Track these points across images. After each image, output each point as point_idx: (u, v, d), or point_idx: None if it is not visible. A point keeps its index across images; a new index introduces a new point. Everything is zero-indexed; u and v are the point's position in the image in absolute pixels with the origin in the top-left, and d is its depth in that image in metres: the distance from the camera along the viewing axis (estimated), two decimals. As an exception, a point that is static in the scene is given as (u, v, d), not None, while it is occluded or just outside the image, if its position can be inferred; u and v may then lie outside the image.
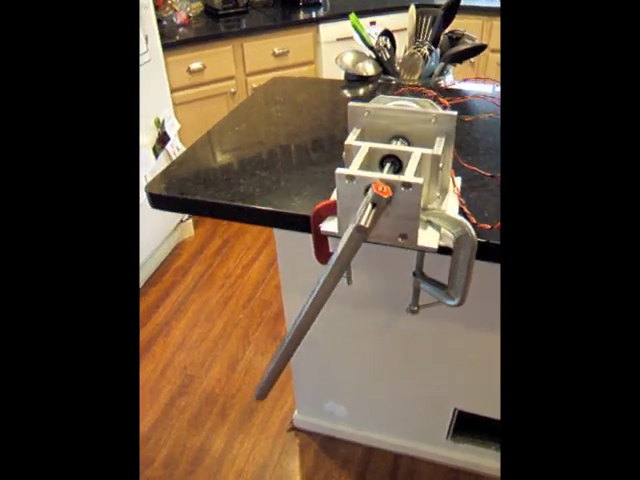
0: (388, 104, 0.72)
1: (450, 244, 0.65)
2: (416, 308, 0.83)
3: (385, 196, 0.58)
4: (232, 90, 2.49)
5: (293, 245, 1.09)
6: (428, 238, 0.65)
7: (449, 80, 1.19)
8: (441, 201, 0.71)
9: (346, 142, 0.69)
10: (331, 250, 0.75)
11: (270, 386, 0.83)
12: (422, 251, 0.67)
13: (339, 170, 0.62)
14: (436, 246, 0.64)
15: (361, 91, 1.17)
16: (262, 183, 0.81)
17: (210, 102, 2.42)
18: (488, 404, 1.35)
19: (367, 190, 0.62)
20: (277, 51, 2.52)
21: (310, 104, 1.13)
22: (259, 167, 0.86)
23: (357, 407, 1.52)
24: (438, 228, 0.67)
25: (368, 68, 1.20)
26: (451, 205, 0.72)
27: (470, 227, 0.63)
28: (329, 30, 2.61)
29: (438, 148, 0.66)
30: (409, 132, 0.71)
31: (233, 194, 0.78)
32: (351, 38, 2.65)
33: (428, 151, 0.65)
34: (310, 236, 0.72)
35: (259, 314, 2.07)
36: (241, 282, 2.24)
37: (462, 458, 1.49)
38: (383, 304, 1.17)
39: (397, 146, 0.68)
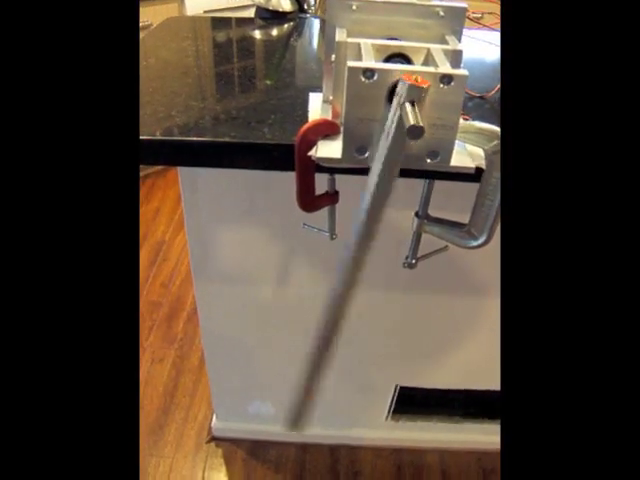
0: (379, -4, 0.56)
1: (483, 164, 0.52)
2: (414, 261, 0.69)
3: (425, 85, 0.42)
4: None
5: (210, 216, 0.89)
6: (460, 157, 0.51)
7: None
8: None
9: (337, 39, 0.51)
10: (318, 192, 0.57)
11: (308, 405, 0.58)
12: (449, 178, 0.52)
13: (352, 63, 0.45)
14: (473, 166, 0.50)
15: (278, 29, 1.00)
16: (203, 114, 0.60)
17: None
18: (431, 375, 1.26)
19: (392, 92, 0.45)
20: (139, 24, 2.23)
21: (226, 39, 0.92)
22: (192, 98, 0.64)
23: (286, 402, 1.34)
24: (463, 146, 0.53)
25: (284, 3, 1.03)
26: (457, 125, 0.58)
27: (511, 138, 0.49)
28: (195, 2, 2.39)
29: (456, 44, 0.52)
30: (407, 34, 0.55)
31: (167, 129, 0.57)
32: (219, 10, 2.45)
33: (449, 47, 0.51)
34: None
35: (149, 318, 1.79)
36: (121, 283, 1.93)
37: (403, 436, 1.39)
38: (312, 274, 1.01)
39: (409, 42, 0.52)
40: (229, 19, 1.03)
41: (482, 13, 1.14)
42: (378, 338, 1.15)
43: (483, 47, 0.92)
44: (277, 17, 1.03)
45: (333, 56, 0.52)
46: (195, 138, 0.55)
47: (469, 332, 1.14)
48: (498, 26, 0.94)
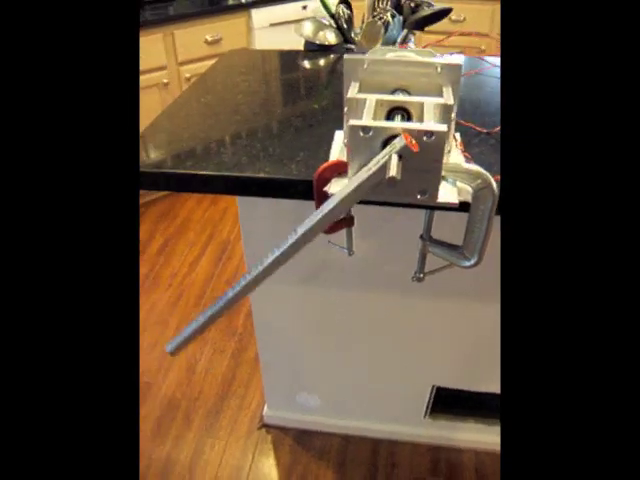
0: (387, 55, 0.66)
1: (469, 199, 0.61)
2: (422, 275, 0.79)
3: (415, 150, 0.53)
4: (164, 81, 2.35)
5: (262, 224, 1.02)
6: (447, 194, 0.61)
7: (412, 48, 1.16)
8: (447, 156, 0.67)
9: (348, 96, 0.63)
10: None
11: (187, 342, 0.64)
12: (439, 209, 0.62)
13: (353, 121, 0.56)
14: (456, 201, 0.60)
15: (324, 60, 1.12)
16: (247, 151, 0.73)
17: (142, 94, 2.27)
18: (466, 377, 1.34)
19: (385, 143, 0.56)
20: (209, 38, 2.41)
21: (276, 73, 1.06)
22: (239, 136, 0.78)
23: (331, 395, 1.47)
24: (454, 183, 0.62)
25: (329, 37, 1.15)
26: (456, 160, 0.68)
27: (491, 178, 0.59)
28: (261, 15, 2.54)
29: (448, 97, 0.62)
30: (411, 85, 0.66)
31: (218, 164, 0.70)
32: (284, 23, 2.60)
33: (440, 100, 0.61)
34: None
35: (213, 312, 1.97)
36: (189, 280, 2.12)
37: (440, 435, 1.47)
38: (355, 281, 1.12)
39: (406, 97, 0.63)
40: (278, 53, 1.16)
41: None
42: (415, 341, 1.24)
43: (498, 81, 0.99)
44: (324, 49, 1.15)
45: (346, 108, 0.63)
46: (237, 174, 0.68)
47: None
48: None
